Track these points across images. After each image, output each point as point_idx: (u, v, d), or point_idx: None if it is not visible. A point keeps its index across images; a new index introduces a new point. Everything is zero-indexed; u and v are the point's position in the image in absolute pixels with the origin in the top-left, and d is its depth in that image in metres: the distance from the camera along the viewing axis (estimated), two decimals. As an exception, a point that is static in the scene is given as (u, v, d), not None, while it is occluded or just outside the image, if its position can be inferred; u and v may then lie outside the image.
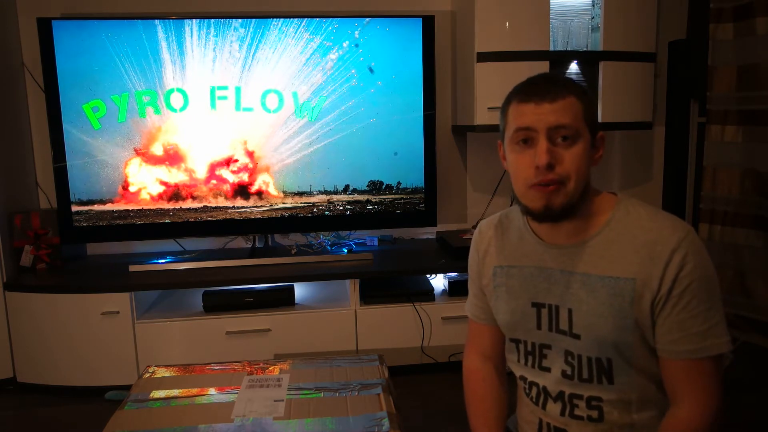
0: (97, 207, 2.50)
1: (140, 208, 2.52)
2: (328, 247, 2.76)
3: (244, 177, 2.56)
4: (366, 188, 2.62)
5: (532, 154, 0.95)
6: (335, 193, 2.61)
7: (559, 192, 0.95)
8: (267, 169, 2.57)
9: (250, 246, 2.80)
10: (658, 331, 0.95)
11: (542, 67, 2.46)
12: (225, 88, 2.48)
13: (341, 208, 2.62)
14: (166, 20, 2.41)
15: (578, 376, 1.02)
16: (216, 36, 2.44)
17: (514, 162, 0.98)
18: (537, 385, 1.08)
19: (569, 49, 2.54)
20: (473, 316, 1.22)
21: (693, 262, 0.93)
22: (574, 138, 0.95)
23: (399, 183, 2.64)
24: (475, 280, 1.20)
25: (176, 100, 2.47)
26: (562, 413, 1.04)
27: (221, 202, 2.57)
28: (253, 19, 2.44)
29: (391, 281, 2.56)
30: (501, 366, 1.21)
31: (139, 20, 2.40)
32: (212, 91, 2.48)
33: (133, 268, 2.49)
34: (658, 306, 0.94)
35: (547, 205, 0.95)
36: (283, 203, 2.59)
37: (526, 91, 0.97)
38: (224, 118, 2.50)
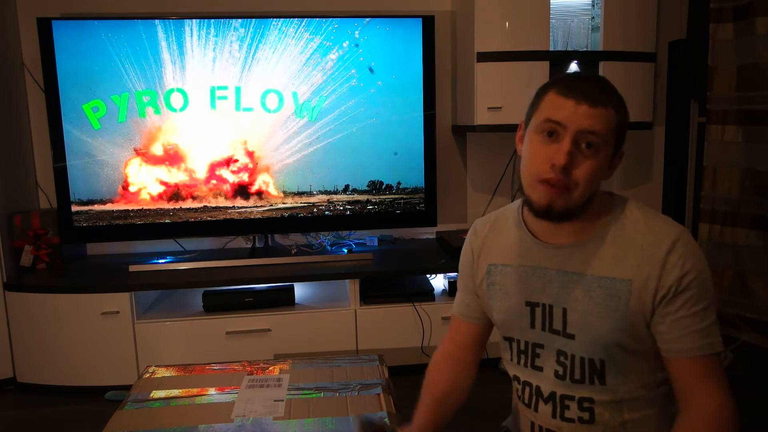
0: (97, 207, 2.50)
1: (140, 208, 2.52)
2: (328, 247, 2.76)
3: (244, 177, 2.56)
4: (366, 188, 2.62)
5: (554, 149, 0.93)
6: (335, 193, 2.61)
7: (563, 195, 0.94)
8: (267, 169, 2.57)
9: (250, 246, 2.80)
10: (658, 329, 0.95)
11: (542, 67, 2.46)
12: (225, 88, 2.48)
13: (341, 208, 2.62)
14: (166, 20, 2.41)
15: (570, 376, 1.02)
16: (216, 36, 2.44)
17: (532, 151, 0.97)
18: (530, 385, 1.08)
19: (569, 49, 2.54)
20: (459, 314, 1.21)
21: (691, 263, 0.93)
22: (597, 148, 0.93)
23: (399, 183, 2.64)
24: (466, 279, 1.19)
25: (176, 100, 2.47)
26: (554, 415, 1.04)
27: (221, 202, 2.57)
28: (253, 19, 2.44)
29: (391, 281, 2.56)
30: (471, 363, 1.20)
31: (139, 20, 2.40)
32: (212, 91, 2.48)
33: (133, 268, 2.49)
34: (659, 306, 0.94)
35: (549, 204, 0.94)
36: (283, 203, 2.59)
37: (570, 86, 0.94)
38: (224, 118, 2.50)
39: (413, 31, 2.53)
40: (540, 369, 1.06)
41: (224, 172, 2.55)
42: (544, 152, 0.94)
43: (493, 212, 1.18)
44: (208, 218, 2.57)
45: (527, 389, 1.08)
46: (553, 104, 0.94)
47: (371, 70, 2.53)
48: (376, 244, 2.86)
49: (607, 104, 0.93)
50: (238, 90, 2.49)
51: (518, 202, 1.11)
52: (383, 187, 2.63)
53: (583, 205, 0.97)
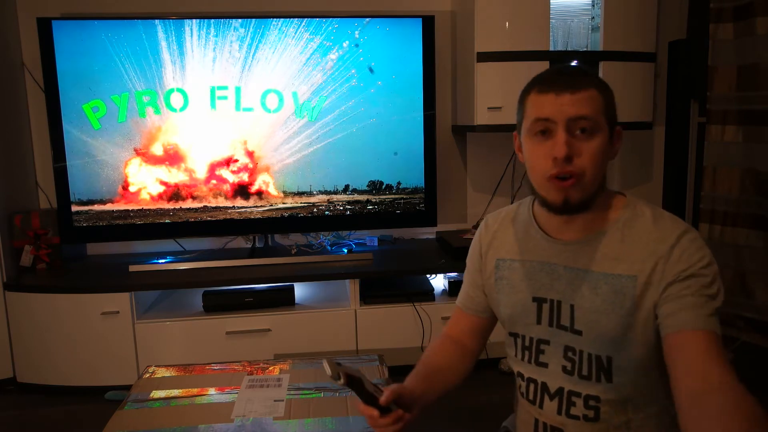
0: (97, 207, 2.50)
1: (140, 208, 2.52)
2: (328, 247, 2.75)
3: (244, 177, 2.56)
4: (366, 188, 2.62)
5: (551, 145, 0.94)
6: (335, 193, 2.61)
7: (577, 186, 0.94)
8: (267, 169, 2.57)
9: (250, 246, 2.80)
10: (659, 313, 0.94)
11: (542, 67, 2.43)
12: (225, 88, 2.48)
13: (341, 208, 2.62)
14: (166, 20, 2.41)
15: (578, 372, 1.02)
16: (216, 36, 2.44)
17: (532, 153, 0.98)
18: (535, 381, 1.08)
19: (569, 49, 2.54)
20: (462, 306, 1.22)
21: (697, 256, 0.93)
22: (592, 131, 0.94)
23: (399, 183, 2.63)
24: (473, 273, 1.19)
25: (176, 100, 2.47)
26: (559, 412, 1.04)
27: (221, 202, 2.57)
28: (253, 19, 2.44)
29: (391, 281, 2.56)
30: (470, 351, 1.20)
31: (139, 20, 2.40)
32: (212, 91, 2.48)
33: (133, 268, 2.49)
34: (663, 296, 0.93)
35: (566, 198, 0.95)
36: (283, 203, 2.59)
37: (547, 82, 0.96)
38: (224, 118, 2.50)
39: (413, 31, 2.53)
40: (545, 365, 1.06)
41: (224, 172, 2.55)
42: (543, 150, 0.95)
43: (505, 207, 1.19)
44: (208, 218, 2.57)
45: (532, 386, 1.08)
46: (537, 103, 0.96)
47: (371, 70, 2.53)
48: (376, 244, 2.86)
49: (588, 86, 0.94)
50: (238, 90, 2.49)
51: (530, 198, 1.12)
52: (383, 187, 2.63)
53: (597, 192, 0.97)
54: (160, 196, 2.53)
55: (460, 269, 2.50)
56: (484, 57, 2.47)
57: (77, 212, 2.49)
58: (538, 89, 0.97)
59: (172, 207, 2.54)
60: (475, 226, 2.80)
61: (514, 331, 1.11)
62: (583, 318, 1.00)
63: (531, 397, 1.09)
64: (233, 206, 2.58)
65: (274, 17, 2.45)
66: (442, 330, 1.26)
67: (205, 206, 2.56)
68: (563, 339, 1.03)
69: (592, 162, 0.94)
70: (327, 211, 2.62)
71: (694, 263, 0.93)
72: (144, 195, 2.52)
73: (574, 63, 2.53)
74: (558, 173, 0.94)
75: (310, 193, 2.60)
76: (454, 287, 2.52)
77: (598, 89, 0.95)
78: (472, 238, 1.23)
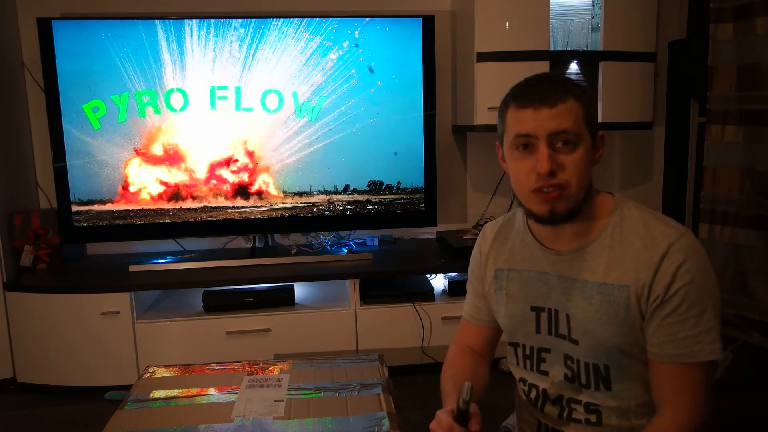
0: (97, 207, 2.50)
1: (140, 208, 2.52)
2: (328, 247, 2.75)
3: (244, 177, 2.56)
4: (366, 188, 2.62)
5: (533, 159, 0.93)
6: (335, 193, 2.61)
7: (562, 197, 0.93)
8: (267, 169, 2.57)
9: (250, 246, 2.80)
10: (648, 332, 0.95)
11: (542, 67, 2.46)
12: (225, 88, 2.48)
13: (341, 208, 2.62)
14: (166, 20, 2.41)
15: (578, 380, 1.02)
16: (216, 36, 2.44)
17: (515, 167, 0.97)
18: (536, 387, 1.08)
19: (569, 49, 2.54)
20: (468, 316, 1.21)
21: (685, 267, 0.91)
22: (575, 142, 0.93)
23: (399, 183, 2.63)
24: (475, 283, 1.20)
25: (176, 100, 2.47)
26: (560, 416, 1.05)
27: (221, 202, 2.57)
28: (253, 19, 2.44)
29: (391, 281, 2.56)
30: (485, 356, 1.20)
31: (139, 20, 2.40)
32: (212, 91, 2.48)
33: (133, 268, 2.48)
34: (649, 311, 0.94)
35: (551, 210, 0.94)
36: (283, 203, 2.59)
37: (525, 95, 0.95)
38: (224, 118, 2.50)
39: (413, 31, 2.53)
40: (546, 373, 1.06)
41: (224, 172, 2.55)
42: (527, 165, 0.95)
43: (501, 216, 1.19)
44: (208, 218, 2.57)
45: (534, 391, 1.09)
46: (516, 119, 0.95)
47: (371, 70, 2.53)
48: (376, 244, 2.86)
49: (565, 98, 0.93)
50: (238, 90, 2.49)
51: None
52: (383, 187, 2.63)
53: (584, 201, 0.97)
54: (160, 196, 2.53)
55: (460, 269, 2.50)
56: (484, 57, 2.47)
57: (77, 212, 2.49)
58: (516, 104, 0.95)
59: (172, 207, 2.54)
60: (475, 226, 2.80)
61: (514, 341, 1.11)
62: (578, 327, 1.00)
63: (533, 401, 1.09)
64: (233, 206, 2.58)
65: (274, 17, 2.45)
66: (452, 343, 1.24)
67: (205, 206, 2.56)
68: (563, 347, 1.03)
69: (576, 173, 0.93)
70: (327, 211, 2.62)
71: (682, 275, 0.91)
72: (144, 195, 2.52)
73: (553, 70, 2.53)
74: (542, 187, 0.93)
75: (310, 193, 2.60)
76: (454, 287, 2.52)
77: (577, 98, 0.94)
78: (471, 238, 1.23)
